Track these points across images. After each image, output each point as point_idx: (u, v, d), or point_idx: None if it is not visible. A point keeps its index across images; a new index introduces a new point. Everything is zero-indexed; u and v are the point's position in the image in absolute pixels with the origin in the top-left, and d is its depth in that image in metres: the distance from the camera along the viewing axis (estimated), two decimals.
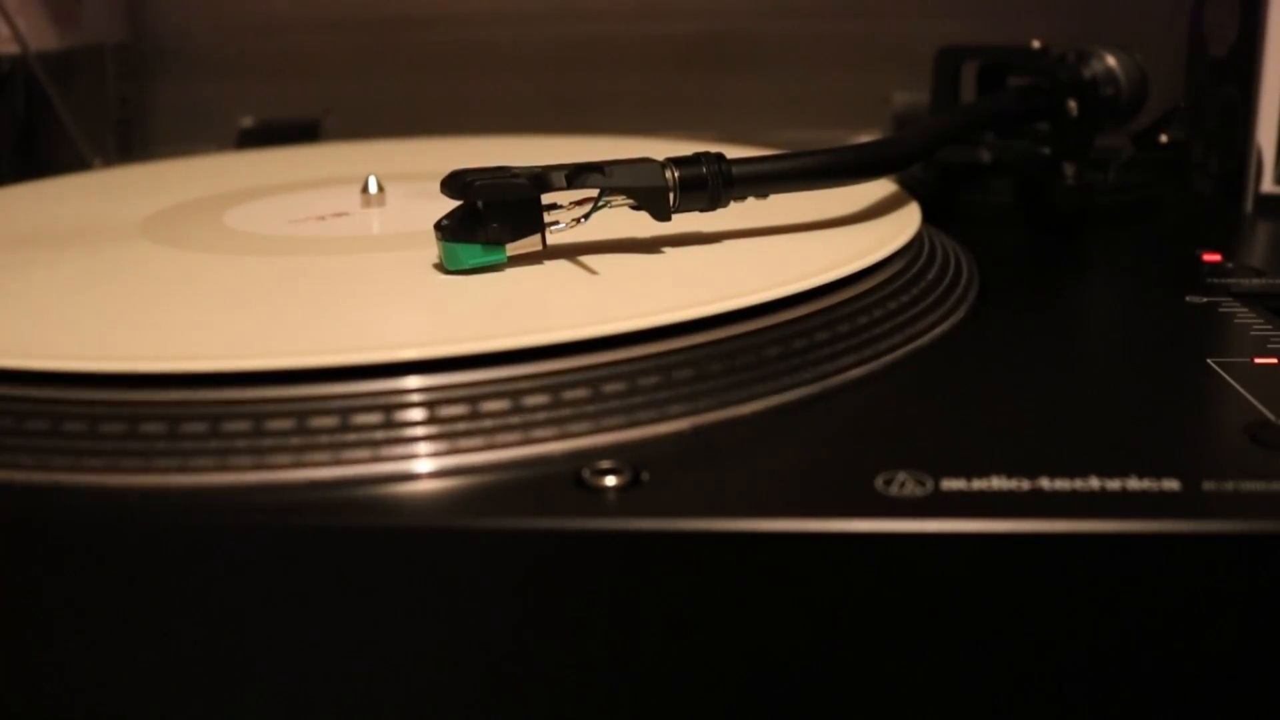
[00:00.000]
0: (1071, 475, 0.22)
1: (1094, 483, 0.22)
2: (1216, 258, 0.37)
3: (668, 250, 0.32)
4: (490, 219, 0.29)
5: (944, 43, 0.49)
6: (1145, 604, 0.20)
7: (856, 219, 0.35)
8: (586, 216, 0.30)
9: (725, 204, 0.31)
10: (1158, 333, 0.31)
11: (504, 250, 0.29)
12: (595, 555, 0.21)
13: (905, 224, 0.34)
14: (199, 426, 0.23)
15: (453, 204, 0.29)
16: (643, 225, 0.31)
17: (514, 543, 0.21)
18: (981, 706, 0.21)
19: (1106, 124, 0.44)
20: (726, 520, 0.21)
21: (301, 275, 0.31)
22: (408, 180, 0.41)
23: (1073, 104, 0.42)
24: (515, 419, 0.23)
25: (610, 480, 0.22)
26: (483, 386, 0.24)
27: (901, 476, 0.22)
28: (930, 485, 0.22)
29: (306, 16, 0.66)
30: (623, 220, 0.32)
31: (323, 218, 0.37)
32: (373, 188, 0.39)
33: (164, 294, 0.30)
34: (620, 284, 0.29)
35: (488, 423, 0.23)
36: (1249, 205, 0.45)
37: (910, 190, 0.39)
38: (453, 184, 0.29)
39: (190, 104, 0.67)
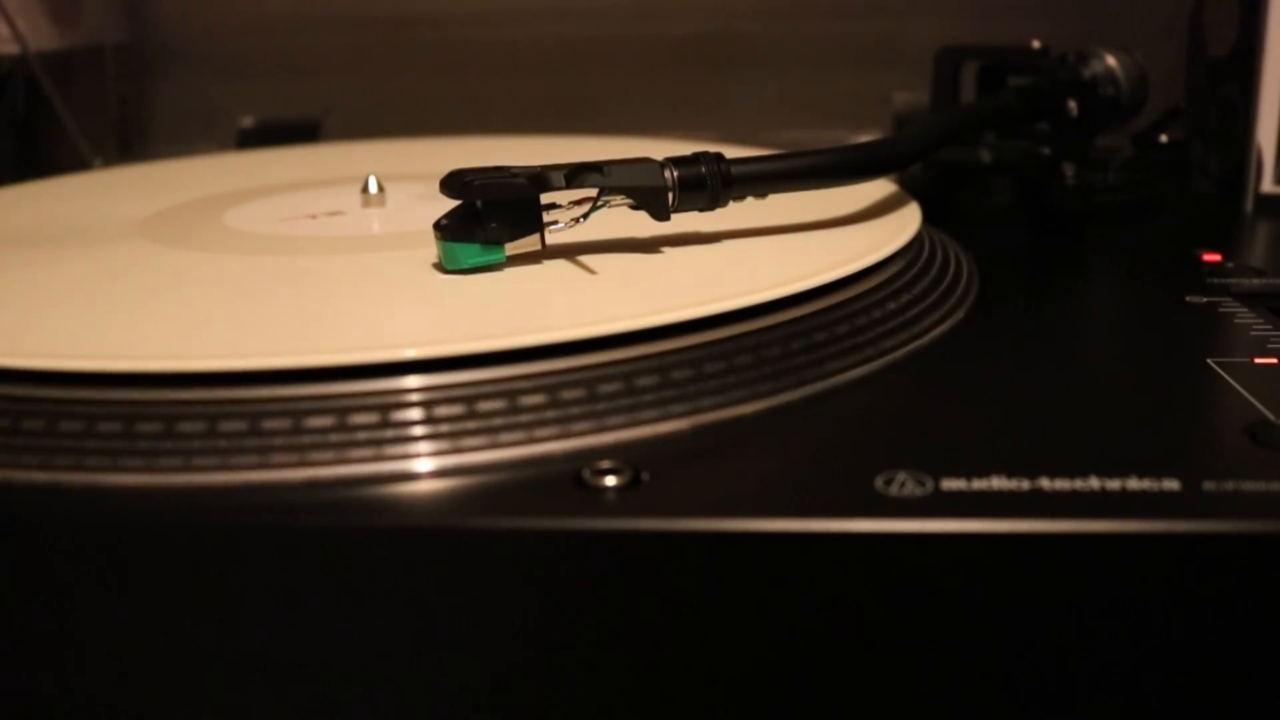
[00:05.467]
0: (1071, 475, 0.22)
1: (1094, 483, 0.22)
2: (1216, 258, 0.37)
3: (667, 250, 0.32)
4: (489, 219, 0.29)
5: (944, 43, 0.49)
6: (1145, 604, 0.20)
7: (856, 219, 0.35)
8: (585, 216, 0.30)
9: (724, 204, 0.31)
10: (1158, 333, 0.31)
11: (503, 250, 0.29)
12: (595, 555, 0.21)
13: (905, 224, 0.34)
14: (199, 426, 0.23)
15: (452, 204, 0.29)
16: (642, 225, 0.31)
17: (514, 543, 0.21)
18: (982, 707, 0.21)
19: (1106, 124, 0.44)
20: (726, 520, 0.21)
21: (301, 275, 0.31)
22: (408, 180, 0.41)
23: (1073, 104, 0.42)
24: (515, 419, 0.23)
25: (610, 480, 0.22)
26: (482, 386, 0.24)
27: (901, 476, 0.22)
28: (930, 485, 0.22)
29: (306, 16, 0.66)
30: (622, 220, 0.32)
31: (314, 216, 0.37)
32: (373, 188, 0.39)
33: (164, 294, 0.30)
34: (619, 284, 0.29)
35: (487, 422, 0.23)
36: (1249, 205, 0.45)
37: (910, 190, 0.39)
38: (452, 184, 0.29)
39: (190, 104, 0.67)
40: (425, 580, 0.21)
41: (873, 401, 0.26)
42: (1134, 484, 0.21)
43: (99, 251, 0.34)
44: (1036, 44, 0.45)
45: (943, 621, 0.21)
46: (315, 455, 0.23)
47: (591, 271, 0.30)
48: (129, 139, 0.67)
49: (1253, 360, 0.28)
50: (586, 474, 0.22)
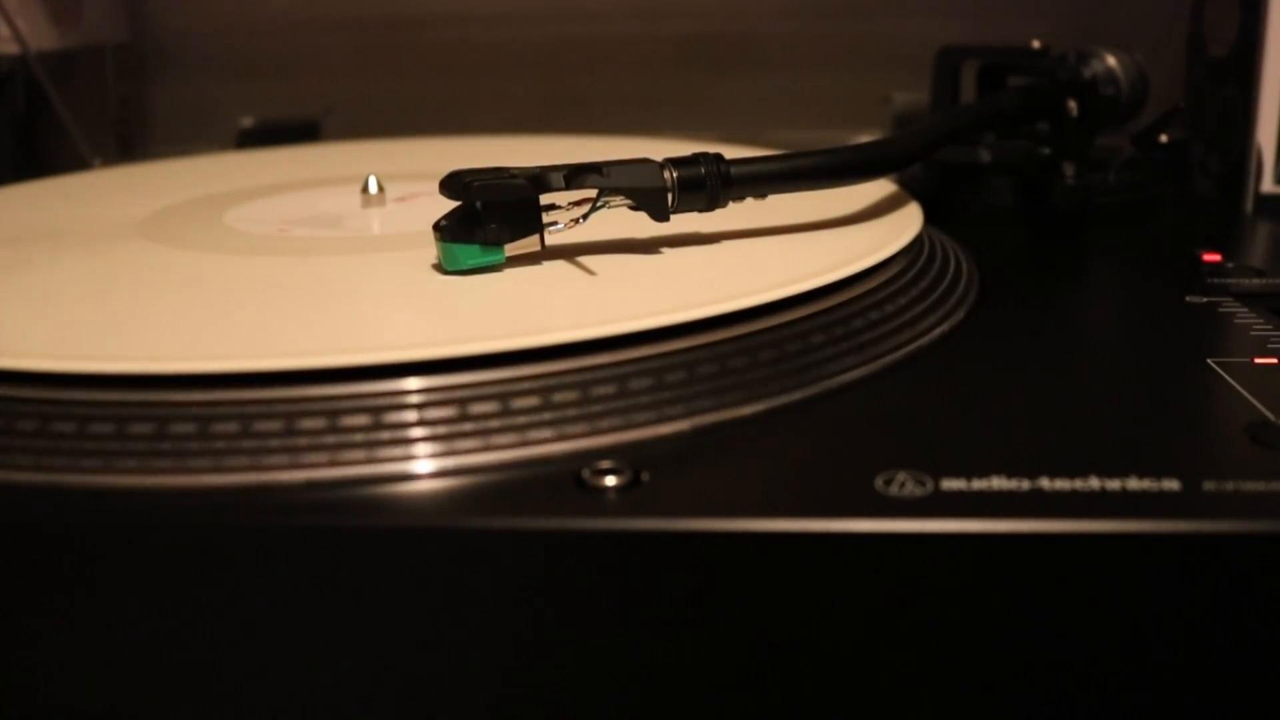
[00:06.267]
0: (1071, 475, 0.22)
1: (1094, 483, 0.22)
2: (1216, 258, 0.37)
3: (666, 251, 0.32)
4: (489, 219, 0.29)
5: (944, 43, 0.49)
6: (1145, 604, 0.20)
7: (857, 219, 0.35)
8: (585, 217, 0.30)
9: (724, 204, 0.31)
10: (1158, 333, 0.31)
11: (502, 251, 0.29)
12: (595, 555, 0.21)
13: (906, 224, 0.34)
14: (198, 427, 0.23)
15: (452, 204, 0.29)
16: (641, 226, 0.31)
17: (514, 543, 0.21)
18: (981, 707, 0.21)
19: (1106, 124, 0.44)
20: (726, 520, 0.21)
21: (301, 276, 0.31)
22: (408, 180, 0.41)
23: (1073, 104, 0.42)
24: (515, 419, 0.23)
25: (610, 480, 0.22)
26: (483, 387, 0.24)
27: (901, 476, 0.22)
28: (930, 485, 0.22)
29: (306, 16, 0.66)
30: (621, 221, 0.32)
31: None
32: (373, 188, 0.39)
33: (164, 294, 0.30)
34: (619, 285, 0.29)
35: (488, 423, 0.23)
36: (1249, 205, 0.45)
37: (910, 190, 0.39)
38: (451, 184, 0.29)
39: (190, 104, 0.67)
40: (426, 580, 0.21)
41: (873, 402, 0.26)
42: (1134, 484, 0.21)
43: (99, 251, 0.34)
44: (1036, 44, 0.45)
45: (943, 621, 0.21)
46: (315, 457, 0.23)
47: (591, 272, 0.30)
48: (129, 139, 0.67)
49: (1253, 360, 0.28)
50: (587, 474, 0.22)
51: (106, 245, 0.35)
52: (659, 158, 0.31)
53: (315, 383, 0.24)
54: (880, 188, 0.38)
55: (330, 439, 0.23)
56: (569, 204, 0.30)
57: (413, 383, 0.24)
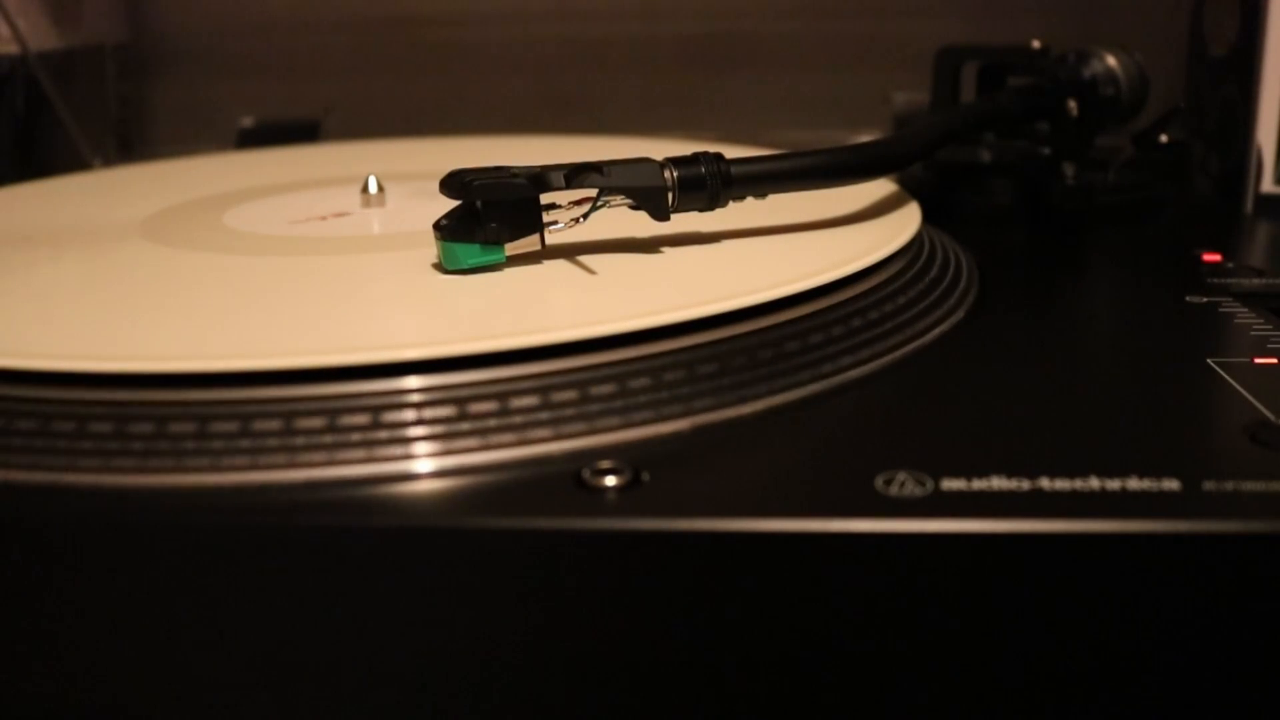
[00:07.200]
0: (1071, 475, 0.22)
1: (1094, 483, 0.22)
2: (1216, 258, 0.37)
3: (666, 250, 0.32)
4: (489, 219, 0.29)
5: (944, 43, 0.49)
6: (1145, 604, 0.20)
7: (856, 219, 0.35)
8: (585, 216, 0.30)
9: (724, 204, 0.31)
10: (1158, 333, 0.31)
11: (502, 250, 0.29)
12: (595, 555, 0.21)
13: (905, 224, 0.34)
14: (198, 427, 0.23)
15: (452, 204, 0.29)
16: (641, 225, 0.31)
17: (514, 543, 0.21)
18: (982, 706, 0.21)
19: (1106, 124, 0.45)
20: (726, 520, 0.21)
21: (301, 275, 0.31)
22: (408, 180, 0.41)
23: (1073, 104, 0.42)
24: (515, 419, 0.23)
25: (610, 480, 0.22)
26: (482, 387, 0.24)
27: (901, 476, 0.22)
28: (930, 485, 0.22)
29: (306, 16, 0.66)
30: (621, 220, 0.32)
31: (324, 218, 0.37)
32: (373, 188, 0.39)
33: (164, 294, 0.30)
34: (619, 284, 0.29)
35: (487, 423, 0.23)
36: (1249, 205, 0.45)
37: (910, 190, 0.39)
38: (451, 184, 0.29)
39: (190, 104, 0.67)
40: (426, 580, 0.21)
41: (873, 401, 0.26)
42: (1134, 484, 0.21)
43: (99, 251, 0.34)
44: (1036, 44, 0.45)
45: (943, 621, 0.21)
46: (315, 456, 0.23)
47: (591, 272, 0.30)
48: (129, 139, 0.67)
49: (1253, 360, 0.28)
50: (587, 474, 0.22)
51: (106, 245, 0.35)
52: (659, 158, 0.31)
53: (314, 382, 0.24)
54: (880, 187, 0.38)
55: (329, 438, 0.23)
56: (569, 203, 0.30)
57: (413, 382, 0.24)
